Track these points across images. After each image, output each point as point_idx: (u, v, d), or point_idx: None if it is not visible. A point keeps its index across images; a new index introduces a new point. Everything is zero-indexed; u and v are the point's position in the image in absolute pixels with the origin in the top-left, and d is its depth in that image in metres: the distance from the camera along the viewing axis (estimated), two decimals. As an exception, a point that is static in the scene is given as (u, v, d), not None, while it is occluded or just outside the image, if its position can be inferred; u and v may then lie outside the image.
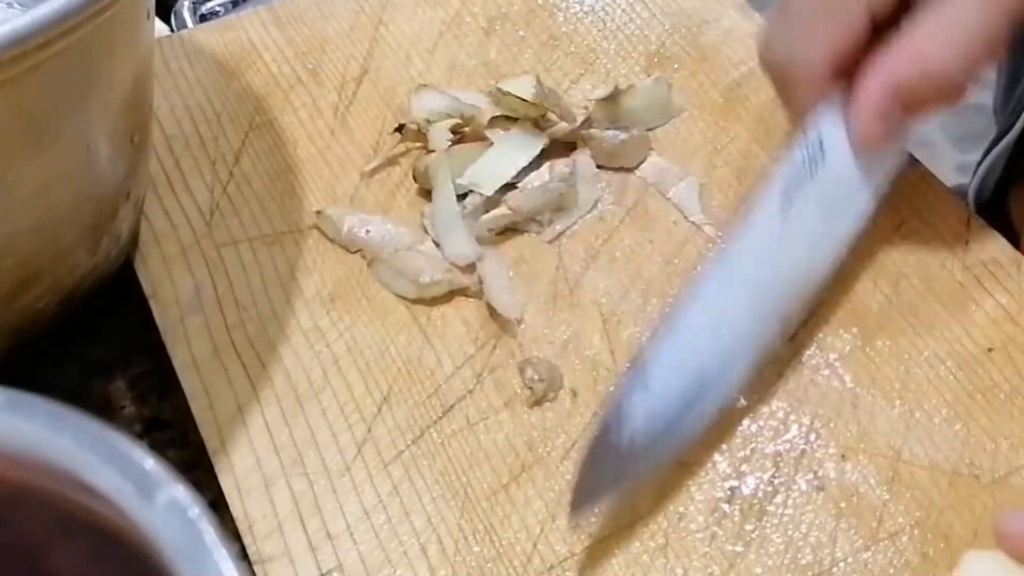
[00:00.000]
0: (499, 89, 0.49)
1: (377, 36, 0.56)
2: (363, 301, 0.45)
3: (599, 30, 0.56)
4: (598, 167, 0.50)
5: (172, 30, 0.61)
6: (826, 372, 0.43)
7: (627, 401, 0.38)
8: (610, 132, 0.50)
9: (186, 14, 0.62)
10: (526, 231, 0.48)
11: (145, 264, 0.47)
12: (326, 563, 0.38)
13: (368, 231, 0.47)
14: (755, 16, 0.56)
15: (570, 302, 0.45)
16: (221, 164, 0.50)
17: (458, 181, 0.47)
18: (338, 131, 0.52)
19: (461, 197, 0.47)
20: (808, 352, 0.43)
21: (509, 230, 0.48)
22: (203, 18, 0.61)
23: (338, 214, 0.47)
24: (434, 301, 0.45)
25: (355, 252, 0.47)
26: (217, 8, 0.62)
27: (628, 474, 0.38)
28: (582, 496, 0.37)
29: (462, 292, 0.45)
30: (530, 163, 0.48)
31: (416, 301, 0.45)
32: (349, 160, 0.50)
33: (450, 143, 0.49)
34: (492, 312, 0.44)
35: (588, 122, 0.50)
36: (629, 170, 0.50)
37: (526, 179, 0.48)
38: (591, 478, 0.37)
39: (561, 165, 0.49)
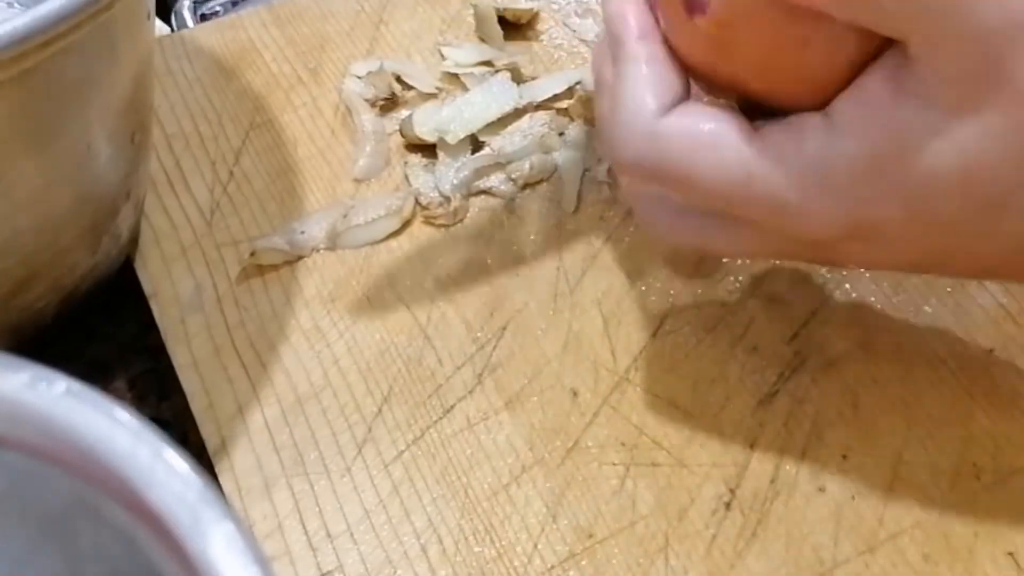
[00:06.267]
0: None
1: (377, 35, 0.56)
2: (363, 301, 0.45)
3: (600, 30, 0.56)
4: (594, 126, 0.51)
5: (172, 29, 0.61)
6: (827, 372, 0.43)
7: None
8: None
9: (186, 13, 0.61)
10: (501, 195, 0.49)
11: (145, 264, 0.47)
12: (326, 563, 0.38)
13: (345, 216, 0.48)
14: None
15: (570, 302, 0.45)
16: (221, 163, 0.50)
17: (426, 128, 0.50)
18: (338, 131, 0.52)
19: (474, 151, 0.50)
20: (809, 352, 0.43)
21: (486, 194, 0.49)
22: (203, 17, 0.61)
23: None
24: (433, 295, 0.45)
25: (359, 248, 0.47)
26: (217, 8, 0.62)
27: None
28: None
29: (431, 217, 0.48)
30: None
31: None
32: (349, 160, 0.50)
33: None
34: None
35: (577, 87, 0.52)
36: None
37: (507, 128, 0.50)
38: None
39: (542, 113, 0.51)
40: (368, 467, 0.40)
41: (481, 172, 0.49)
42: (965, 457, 0.40)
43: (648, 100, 0.32)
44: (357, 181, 0.50)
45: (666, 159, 0.32)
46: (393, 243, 0.47)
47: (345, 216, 0.47)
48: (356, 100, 0.52)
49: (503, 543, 0.38)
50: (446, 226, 0.48)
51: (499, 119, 0.50)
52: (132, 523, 0.21)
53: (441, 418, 0.42)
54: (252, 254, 0.46)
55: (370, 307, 0.45)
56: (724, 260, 0.46)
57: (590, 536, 0.38)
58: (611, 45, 0.34)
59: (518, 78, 0.52)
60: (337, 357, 0.44)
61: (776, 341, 0.44)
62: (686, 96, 0.33)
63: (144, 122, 0.43)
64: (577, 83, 0.52)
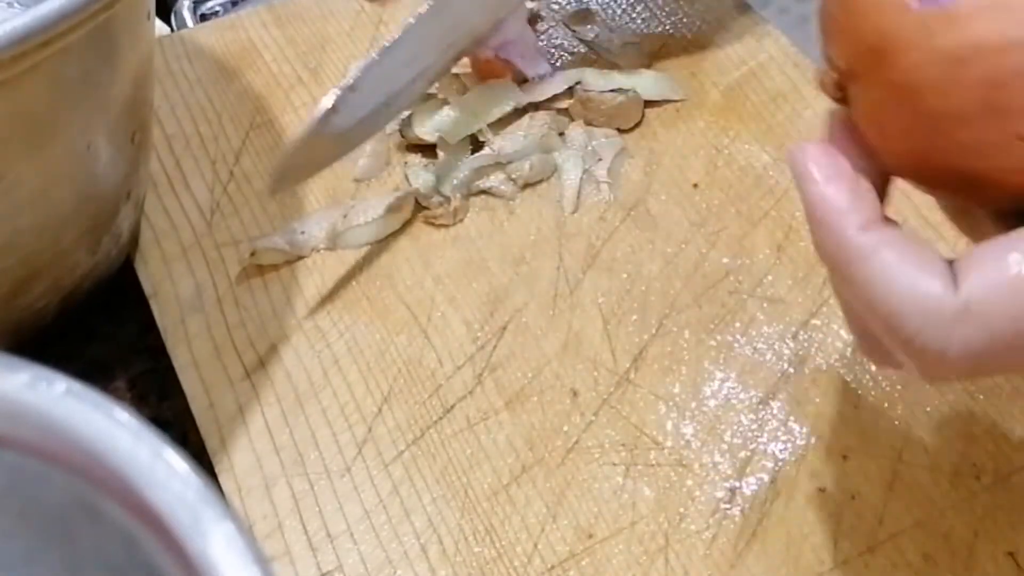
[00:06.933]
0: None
1: (377, 36, 0.56)
2: (363, 301, 0.45)
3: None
4: (594, 126, 0.51)
5: (172, 29, 0.61)
6: (827, 372, 0.43)
7: (340, 101, 0.44)
8: (608, 94, 0.51)
9: (186, 14, 0.61)
10: (501, 195, 0.49)
11: (145, 264, 0.47)
12: (326, 563, 0.38)
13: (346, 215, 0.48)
14: (756, 15, 0.56)
15: (570, 302, 0.45)
16: (221, 164, 0.50)
17: (426, 128, 0.50)
18: (338, 131, 0.52)
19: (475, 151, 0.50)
20: (809, 353, 0.43)
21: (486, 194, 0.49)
22: (203, 17, 0.61)
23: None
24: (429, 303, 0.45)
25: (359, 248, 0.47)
26: (217, 8, 0.62)
27: (326, 157, 0.47)
28: (285, 174, 0.45)
29: (432, 217, 0.48)
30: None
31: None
32: (349, 160, 0.50)
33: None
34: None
35: (577, 87, 0.52)
36: (624, 131, 0.51)
37: (507, 128, 0.50)
38: (296, 159, 0.45)
39: (542, 114, 0.50)
40: (368, 467, 0.40)
41: (481, 172, 0.49)
42: (965, 457, 0.40)
43: (924, 279, 0.25)
44: (357, 181, 0.50)
45: (995, 332, 0.25)
46: (393, 243, 0.47)
47: (345, 216, 0.47)
48: None
49: (503, 543, 0.38)
50: (446, 226, 0.48)
51: (499, 119, 0.50)
52: (132, 523, 0.21)
53: (441, 418, 0.42)
54: (252, 254, 0.46)
55: (370, 307, 0.45)
56: (724, 260, 0.46)
57: (590, 536, 0.38)
58: (827, 242, 0.27)
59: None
60: (337, 357, 0.44)
61: (776, 341, 0.44)
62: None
63: (144, 122, 0.43)
64: (577, 83, 0.52)
